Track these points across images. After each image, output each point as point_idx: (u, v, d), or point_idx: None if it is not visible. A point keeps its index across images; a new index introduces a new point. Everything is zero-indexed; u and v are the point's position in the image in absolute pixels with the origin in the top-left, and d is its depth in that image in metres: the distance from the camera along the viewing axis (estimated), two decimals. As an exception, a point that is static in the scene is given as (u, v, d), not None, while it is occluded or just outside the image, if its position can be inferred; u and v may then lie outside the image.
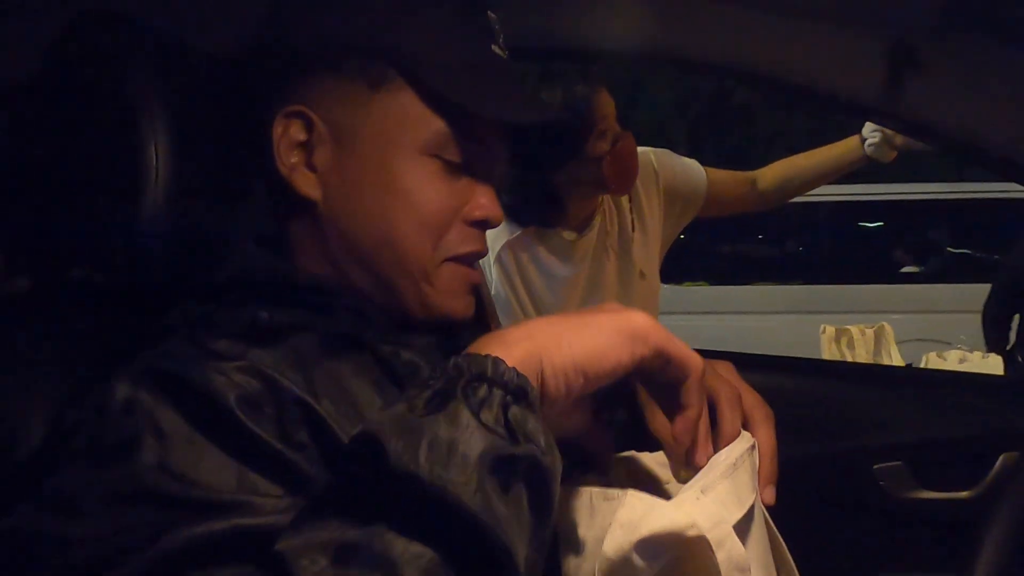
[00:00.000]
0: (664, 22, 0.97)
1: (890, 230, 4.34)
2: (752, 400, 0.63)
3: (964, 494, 1.12)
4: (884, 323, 2.71)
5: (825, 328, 2.78)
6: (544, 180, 1.44)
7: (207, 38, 0.79)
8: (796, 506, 1.16)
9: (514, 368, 0.47)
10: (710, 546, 0.51)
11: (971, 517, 0.89)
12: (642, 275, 1.52)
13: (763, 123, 8.36)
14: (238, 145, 0.66)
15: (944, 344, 2.99)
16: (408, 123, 0.60)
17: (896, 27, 0.91)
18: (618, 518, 0.52)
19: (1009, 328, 2.30)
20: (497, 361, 0.47)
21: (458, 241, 0.63)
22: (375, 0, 0.61)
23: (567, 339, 0.51)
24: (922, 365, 2.65)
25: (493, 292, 1.48)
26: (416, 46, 0.60)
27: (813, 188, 1.64)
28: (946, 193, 4.34)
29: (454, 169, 0.62)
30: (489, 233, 0.70)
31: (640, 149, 1.54)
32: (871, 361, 2.65)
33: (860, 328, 2.68)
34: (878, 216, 4.31)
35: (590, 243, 1.50)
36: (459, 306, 0.65)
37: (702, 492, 0.53)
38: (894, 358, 2.66)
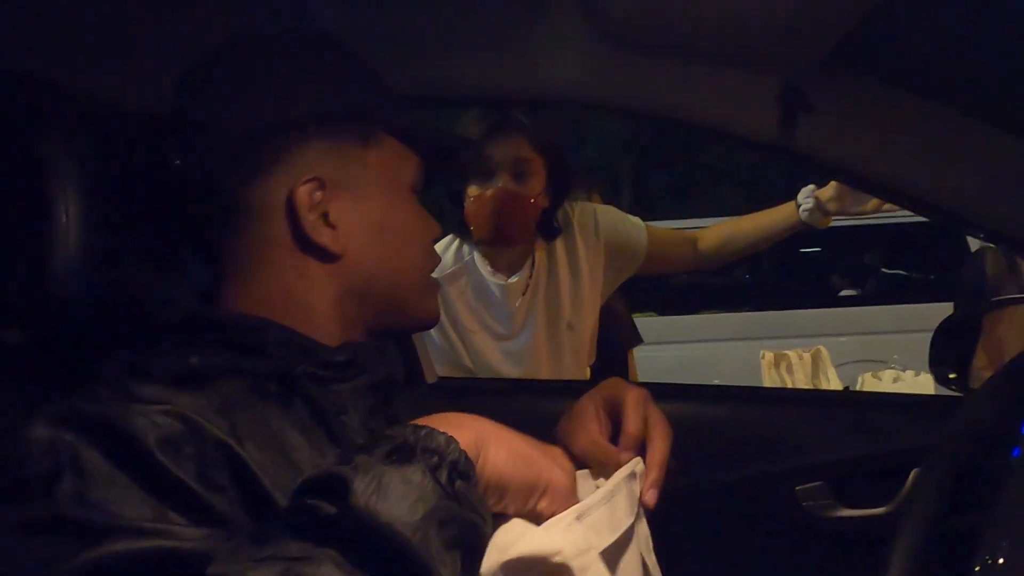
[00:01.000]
0: (567, 68, 1.02)
1: (828, 255, 4.47)
2: (655, 419, 0.73)
3: (881, 510, 1.16)
4: (821, 347, 2.79)
5: (764, 354, 2.85)
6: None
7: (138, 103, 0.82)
8: (721, 530, 1.20)
9: (464, 451, 0.53)
10: (572, 574, 0.54)
11: (888, 532, 0.93)
12: (570, 326, 1.54)
13: (707, 156, 8.57)
14: (179, 207, 0.69)
15: (880, 364, 3.09)
16: (398, 166, 0.71)
17: (786, 70, 0.97)
18: (494, 540, 0.55)
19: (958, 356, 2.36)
20: (451, 440, 0.53)
21: (432, 255, 0.75)
22: (331, 73, 0.69)
23: (504, 456, 0.58)
24: (858, 386, 2.73)
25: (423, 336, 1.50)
26: (378, 102, 0.71)
27: (753, 251, 1.68)
28: (880, 217, 4.48)
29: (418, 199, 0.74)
30: None
31: (586, 204, 1.60)
32: (810, 384, 2.72)
33: (798, 352, 2.76)
34: (817, 242, 4.44)
35: (522, 290, 1.53)
36: (437, 311, 0.76)
37: (577, 518, 0.58)
38: (831, 380, 2.74)
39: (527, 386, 1.45)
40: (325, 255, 0.67)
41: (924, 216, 1.13)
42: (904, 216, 4.32)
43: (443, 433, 0.53)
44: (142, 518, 0.51)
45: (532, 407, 1.27)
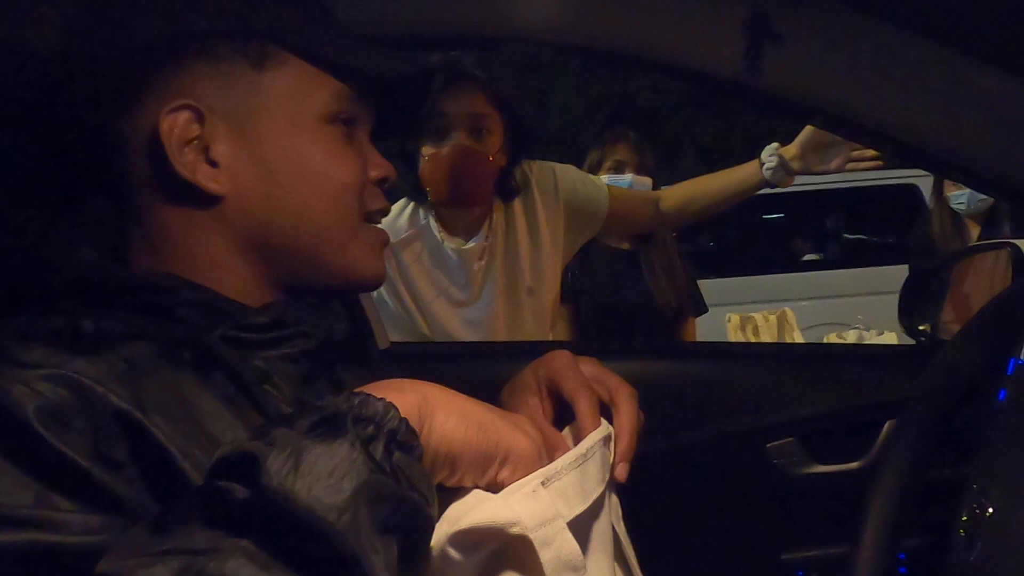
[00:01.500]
0: (518, 2, 0.95)
1: (790, 221, 4.49)
2: (615, 382, 0.66)
3: (854, 465, 1.13)
4: (786, 309, 2.79)
5: (730, 317, 2.84)
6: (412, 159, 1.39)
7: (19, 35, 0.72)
8: (692, 489, 1.15)
9: (405, 419, 0.46)
10: (533, 546, 0.48)
11: (862, 487, 0.89)
12: (531, 291, 1.48)
13: (669, 125, 8.56)
14: (70, 153, 0.60)
15: (843, 326, 3.10)
16: (304, 94, 0.59)
17: (752, -2, 0.91)
18: (446, 513, 0.48)
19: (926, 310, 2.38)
20: (389, 406, 0.46)
21: (369, 200, 0.64)
22: None
23: (453, 421, 0.49)
24: (824, 347, 2.72)
25: (376, 297, 1.42)
26: (284, 19, 0.60)
27: (716, 211, 1.64)
28: (841, 182, 4.52)
29: (349, 133, 0.62)
30: None
31: (544, 163, 1.53)
32: (775, 346, 2.71)
33: (764, 315, 2.75)
34: (780, 208, 4.45)
35: (479, 255, 1.46)
36: (380, 267, 0.65)
37: (542, 484, 0.51)
38: (797, 341, 2.73)
39: (486, 349, 1.39)
40: (205, 198, 0.57)
41: (900, 158, 1.09)
42: (864, 180, 4.37)
43: (380, 399, 0.45)
44: (18, 504, 0.43)
45: (493, 371, 1.21)
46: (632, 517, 0.64)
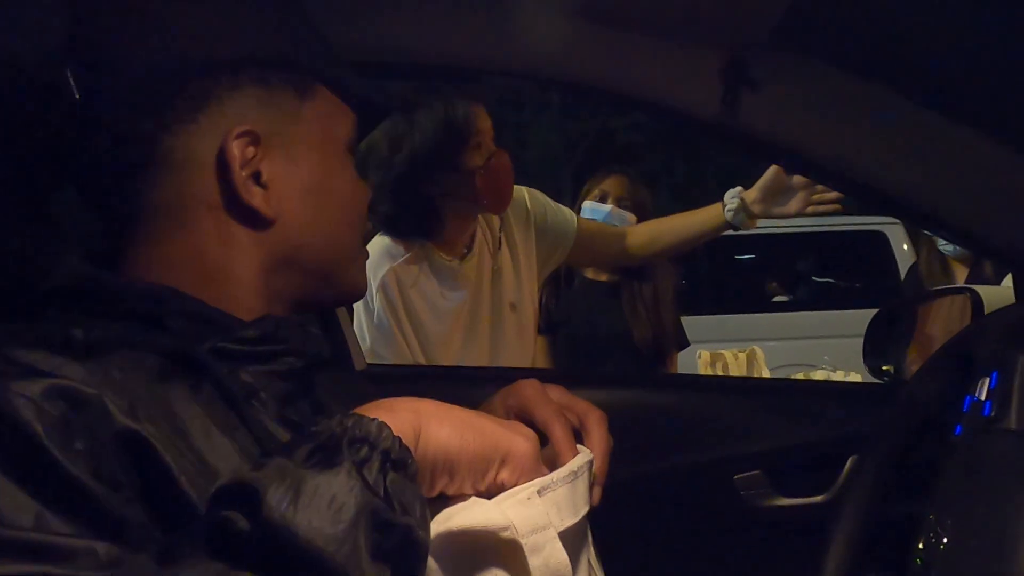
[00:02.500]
0: (511, 37, 0.98)
1: (762, 262, 4.57)
2: (583, 407, 0.67)
3: (819, 498, 1.15)
4: (755, 347, 2.83)
5: (701, 353, 2.88)
6: (423, 192, 1.43)
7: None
8: (658, 518, 1.17)
9: (398, 438, 0.47)
10: (522, 551, 0.49)
11: (826, 521, 0.92)
12: (512, 307, 1.51)
13: (646, 164, 8.70)
14: (74, 154, 0.59)
15: (810, 367, 3.15)
16: (333, 124, 0.64)
17: (730, 43, 0.95)
18: (439, 515, 0.49)
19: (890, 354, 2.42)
20: (382, 426, 0.46)
21: (365, 221, 0.70)
22: (263, 14, 0.62)
23: (448, 429, 0.50)
24: (791, 386, 2.77)
25: (375, 320, 1.44)
26: (317, 52, 0.64)
27: (680, 250, 1.71)
28: (811, 226, 4.62)
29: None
30: (372, 260, 0.70)
31: (516, 188, 1.56)
32: (744, 384, 2.75)
33: (733, 352, 2.79)
34: (751, 249, 4.53)
35: (471, 270, 1.49)
36: (364, 277, 0.70)
37: (538, 492, 0.52)
38: (765, 380, 2.77)
39: (464, 374, 1.40)
40: (255, 219, 0.59)
41: (866, 203, 1.14)
42: (833, 225, 4.47)
43: (373, 420, 0.47)
44: (20, 526, 0.43)
45: (470, 395, 1.22)
46: (599, 544, 0.66)
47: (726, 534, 1.17)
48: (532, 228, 1.55)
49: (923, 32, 0.86)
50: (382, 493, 0.44)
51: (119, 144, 0.58)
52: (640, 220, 2.18)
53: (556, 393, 0.67)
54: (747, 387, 1.57)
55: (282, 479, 0.42)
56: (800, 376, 2.79)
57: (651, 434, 1.19)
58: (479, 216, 1.51)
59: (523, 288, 1.53)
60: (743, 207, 1.52)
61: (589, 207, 2.16)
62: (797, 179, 1.48)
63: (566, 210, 1.63)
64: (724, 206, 1.55)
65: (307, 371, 0.61)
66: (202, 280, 0.59)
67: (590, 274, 2.22)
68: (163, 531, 0.47)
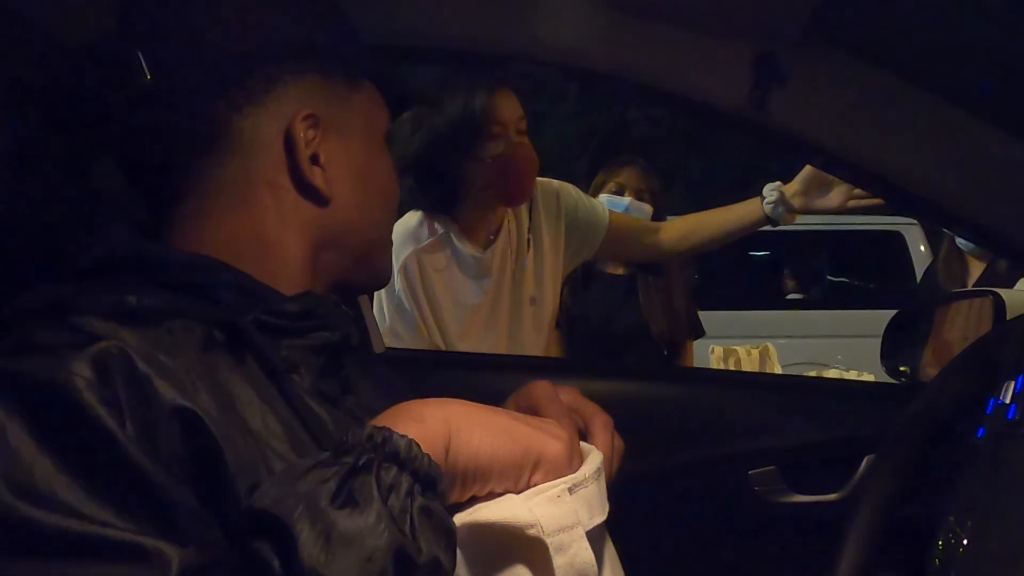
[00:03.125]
0: (538, 24, 0.98)
1: (777, 259, 4.55)
2: (591, 411, 0.67)
3: (833, 496, 1.15)
4: (768, 344, 2.83)
5: (714, 349, 2.87)
6: (443, 172, 1.43)
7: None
8: (671, 513, 1.17)
9: (427, 456, 0.47)
10: (548, 550, 0.49)
11: (841, 518, 0.92)
12: (532, 301, 1.51)
13: (662, 157, 8.66)
14: (135, 131, 0.61)
15: (823, 366, 3.14)
16: (375, 114, 0.68)
17: (761, 38, 0.94)
18: (467, 509, 0.50)
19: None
20: (412, 444, 0.47)
21: (396, 209, 0.73)
22: (319, 6, 0.66)
23: (479, 435, 0.51)
24: (804, 385, 2.75)
25: (395, 301, 1.44)
26: (359, 46, 0.69)
27: (715, 246, 1.65)
28: (828, 225, 4.59)
29: None
30: (396, 242, 0.73)
31: (547, 180, 1.57)
32: (756, 380, 2.74)
33: (746, 348, 2.79)
34: (767, 246, 4.51)
35: (494, 261, 1.49)
36: (391, 263, 0.74)
37: (569, 490, 0.51)
38: (778, 377, 2.76)
39: (480, 360, 1.40)
40: (314, 198, 0.62)
41: (893, 204, 1.12)
42: (850, 224, 4.44)
43: (403, 437, 0.47)
44: (82, 514, 0.43)
45: (486, 382, 1.23)
46: (612, 537, 0.66)
47: (740, 530, 1.17)
48: (562, 223, 1.54)
49: (959, 29, 0.85)
50: (409, 528, 0.45)
51: (189, 124, 0.60)
52: (656, 211, 2.16)
53: (567, 395, 0.68)
54: (763, 383, 1.57)
55: (313, 523, 0.43)
56: (813, 374, 2.78)
57: (666, 428, 1.19)
58: (511, 210, 1.50)
59: (545, 283, 1.52)
60: (782, 200, 1.48)
61: (607, 200, 2.14)
62: None
63: (599, 205, 1.61)
64: (763, 199, 1.52)
65: (339, 348, 0.62)
66: (254, 255, 0.60)
67: (607, 268, 2.21)
68: (208, 514, 0.48)
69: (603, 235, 1.57)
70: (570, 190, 1.59)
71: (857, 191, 1.42)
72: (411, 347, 1.41)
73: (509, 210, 1.50)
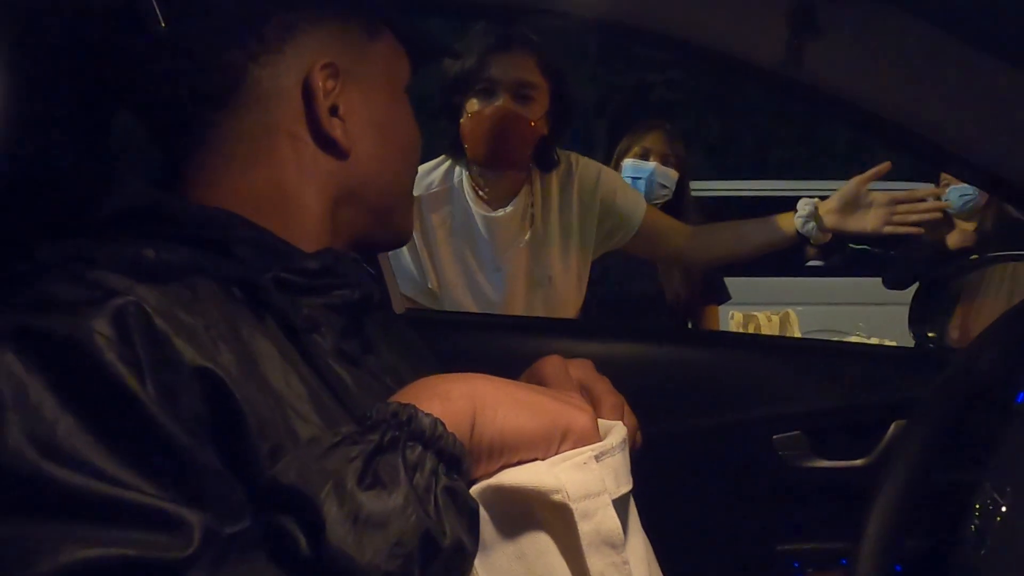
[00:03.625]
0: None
1: (797, 225, 4.49)
2: (600, 391, 0.65)
3: (859, 462, 1.14)
4: (789, 310, 2.80)
5: (733, 315, 2.85)
6: (446, 113, 1.41)
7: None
8: (696, 476, 1.16)
9: (452, 434, 0.47)
10: (572, 515, 0.48)
11: (865, 484, 0.90)
12: (550, 280, 1.48)
13: (681, 121, 8.55)
14: (152, 81, 0.59)
15: (844, 334, 3.11)
16: (395, 64, 0.66)
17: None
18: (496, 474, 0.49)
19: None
20: (436, 423, 0.47)
21: (418, 163, 0.72)
22: None
23: (503, 411, 0.50)
24: (824, 351, 2.73)
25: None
26: None
27: (743, 260, 1.58)
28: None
29: None
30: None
31: (590, 161, 1.54)
32: (776, 346, 2.73)
33: (767, 315, 2.76)
34: (786, 211, 4.45)
35: (506, 224, 1.46)
36: (412, 221, 0.72)
37: (595, 458, 0.51)
38: (798, 344, 2.75)
39: (499, 322, 1.39)
40: (334, 150, 0.61)
41: (931, 162, 1.09)
42: (871, 190, 4.36)
43: (428, 415, 0.47)
44: (110, 477, 0.43)
45: (505, 344, 1.22)
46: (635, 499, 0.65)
47: (764, 495, 1.16)
48: (597, 207, 1.50)
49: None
50: (434, 510, 0.45)
51: (206, 73, 0.58)
52: (681, 177, 2.11)
53: (578, 370, 0.66)
54: (788, 346, 1.55)
55: (340, 503, 0.42)
56: (834, 340, 2.76)
57: (690, 391, 1.17)
58: (534, 180, 1.46)
59: (569, 264, 1.49)
60: (815, 216, 1.42)
61: (632, 165, 2.08)
62: (879, 195, 1.39)
63: (639, 198, 1.57)
64: (795, 213, 1.46)
65: (359, 307, 0.61)
66: (273, 209, 0.59)
67: None
68: (229, 475, 0.47)
69: (637, 227, 1.53)
70: (612, 176, 1.56)
71: (897, 216, 1.36)
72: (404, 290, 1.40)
73: (532, 179, 1.46)
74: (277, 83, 0.59)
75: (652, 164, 2.08)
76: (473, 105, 1.38)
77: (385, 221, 0.67)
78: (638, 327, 1.76)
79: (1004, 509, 0.67)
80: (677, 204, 2.07)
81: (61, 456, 0.42)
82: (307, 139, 0.60)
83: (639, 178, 2.05)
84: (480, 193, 1.46)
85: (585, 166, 1.51)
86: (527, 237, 1.46)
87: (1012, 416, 0.75)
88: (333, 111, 0.60)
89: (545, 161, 1.46)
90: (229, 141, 0.59)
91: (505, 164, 1.42)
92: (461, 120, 1.39)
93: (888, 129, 1.03)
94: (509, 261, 1.46)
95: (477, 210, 1.45)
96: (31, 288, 0.49)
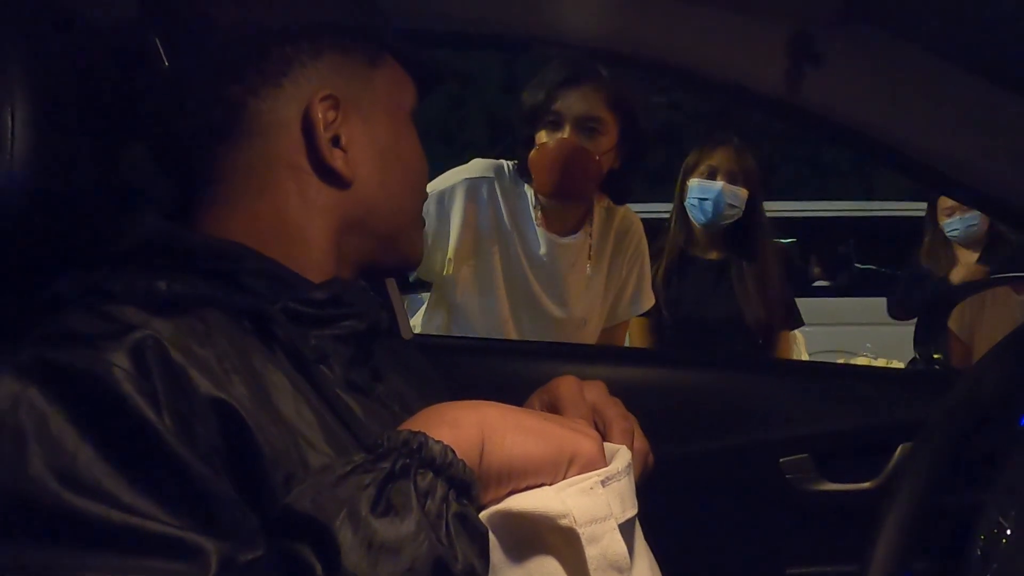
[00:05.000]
0: (567, 5, 0.96)
1: (803, 246, 4.49)
2: (612, 415, 0.66)
3: (866, 485, 1.13)
4: (796, 332, 2.79)
5: (740, 336, 2.84)
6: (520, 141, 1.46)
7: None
8: (703, 499, 1.16)
9: (462, 461, 0.48)
10: (580, 540, 0.49)
11: (873, 507, 0.90)
12: (584, 323, 1.52)
13: (689, 144, 8.57)
14: (159, 116, 0.61)
15: (851, 353, 3.10)
16: (399, 91, 0.67)
17: (796, 17, 0.92)
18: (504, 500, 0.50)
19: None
20: (447, 450, 0.48)
21: (425, 190, 0.71)
22: None
23: (511, 438, 0.51)
24: (831, 372, 2.72)
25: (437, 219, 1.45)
26: (381, 21, 0.67)
27: None
28: (854, 211, 4.52)
29: None
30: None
31: (636, 220, 1.58)
32: (783, 368, 2.71)
33: (773, 336, 2.74)
34: (792, 232, 4.46)
35: (566, 251, 1.49)
36: (422, 244, 0.72)
37: (602, 483, 0.52)
38: (805, 365, 2.73)
39: (508, 347, 1.40)
40: (335, 180, 0.61)
41: (935, 188, 1.10)
42: (877, 211, 4.37)
43: (438, 443, 0.48)
44: (126, 506, 0.44)
45: (514, 369, 1.22)
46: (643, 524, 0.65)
47: (770, 516, 1.16)
48: (624, 261, 1.56)
49: (1001, 6, 0.83)
50: (445, 536, 0.45)
51: (206, 108, 0.59)
52: (751, 194, 2.01)
53: (592, 392, 0.67)
54: (794, 369, 1.55)
55: (355, 529, 0.43)
56: (841, 360, 2.75)
57: (697, 415, 1.18)
58: (594, 219, 1.51)
59: (596, 308, 1.53)
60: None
61: (698, 185, 2.00)
62: None
63: (647, 283, 1.62)
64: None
65: (367, 336, 0.62)
66: (278, 240, 0.60)
67: (697, 251, 2.07)
68: (245, 505, 0.48)
69: (627, 313, 1.61)
70: (644, 243, 1.61)
71: None
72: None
73: (591, 219, 1.51)
74: (277, 116, 0.59)
75: (719, 183, 1.98)
76: (541, 137, 1.43)
77: (392, 247, 0.67)
78: (643, 352, 1.76)
79: (1009, 532, 0.68)
80: (748, 223, 2.00)
81: (81, 486, 0.43)
82: (309, 170, 0.60)
83: (706, 199, 1.98)
84: (545, 216, 1.49)
85: (626, 216, 1.57)
86: (588, 272, 1.50)
87: (1015, 439, 0.75)
88: (335, 142, 0.61)
89: (617, 193, 1.50)
90: (233, 174, 0.60)
91: (568, 195, 1.45)
92: (530, 152, 1.43)
93: (887, 153, 1.05)
94: (567, 291, 1.50)
95: (542, 232, 1.48)
96: (51, 322, 0.50)
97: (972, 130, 0.96)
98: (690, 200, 2.00)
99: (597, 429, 0.64)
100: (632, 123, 1.43)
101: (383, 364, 0.66)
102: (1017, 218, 1.04)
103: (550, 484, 0.51)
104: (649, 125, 1.55)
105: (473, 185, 1.47)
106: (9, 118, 0.57)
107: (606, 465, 0.53)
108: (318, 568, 0.43)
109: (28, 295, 0.54)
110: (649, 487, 0.63)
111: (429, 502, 0.46)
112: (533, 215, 1.48)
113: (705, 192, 1.98)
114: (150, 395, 0.46)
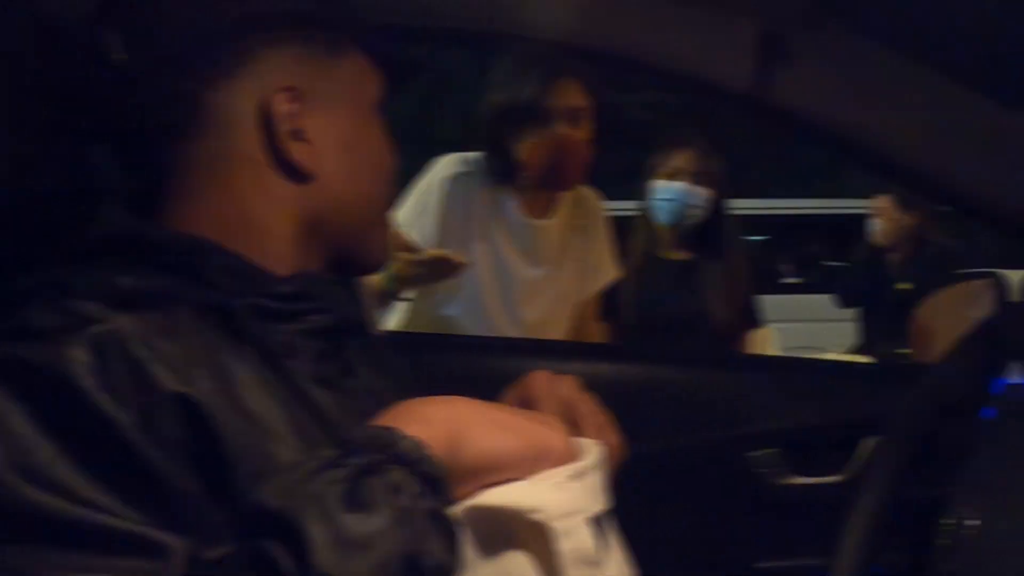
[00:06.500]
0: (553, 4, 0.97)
1: (774, 243, 4.54)
2: (584, 411, 0.66)
3: (834, 478, 1.15)
4: (766, 328, 2.82)
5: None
6: (502, 141, 1.46)
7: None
8: (671, 496, 1.17)
9: (434, 457, 0.48)
10: (552, 534, 0.49)
11: (841, 501, 0.92)
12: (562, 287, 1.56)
13: (655, 142, 8.61)
14: (116, 110, 0.59)
15: (821, 351, 3.14)
16: (363, 82, 0.64)
17: (766, 16, 0.93)
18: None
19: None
20: (417, 446, 0.48)
21: (393, 183, 0.69)
22: None
23: (483, 433, 0.51)
24: (801, 368, 2.75)
25: (419, 207, 1.47)
26: (344, 10, 0.65)
27: None
28: (824, 208, 4.58)
29: None
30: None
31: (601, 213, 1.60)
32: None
33: (744, 333, 2.77)
34: (764, 230, 4.50)
35: (551, 232, 1.51)
36: (388, 245, 0.72)
37: (572, 478, 0.52)
38: (775, 361, 2.76)
39: (482, 343, 1.39)
40: (296, 174, 0.60)
41: (901, 186, 1.12)
42: (847, 208, 4.42)
43: (408, 438, 0.48)
44: (91, 502, 0.43)
45: (486, 365, 1.22)
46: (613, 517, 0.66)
47: (741, 513, 1.17)
48: (593, 229, 1.59)
49: (970, 7, 0.84)
50: (416, 531, 0.45)
51: (162, 103, 0.58)
52: (715, 194, 2.00)
53: (565, 388, 0.67)
54: (763, 364, 1.57)
55: (326, 523, 0.43)
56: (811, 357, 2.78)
57: (668, 410, 1.18)
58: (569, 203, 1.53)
59: (576, 277, 1.57)
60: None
61: (662, 187, 1.99)
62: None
63: (613, 262, 1.65)
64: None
65: (337, 331, 0.62)
66: (240, 235, 0.59)
67: (661, 252, 2.05)
68: (210, 501, 0.48)
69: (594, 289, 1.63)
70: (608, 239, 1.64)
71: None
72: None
73: (565, 202, 1.53)
74: (234, 109, 0.58)
75: (681, 184, 1.98)
76: (532, 134, 1.42)
77: (358, 244, 0.65)
78: (615, 347, 1.76)
79: (972, 523, 0.69)
80: (713, 223, 2.00)
81: (42, 483, 0.42)
82: (268, 164, 0.59)
83: (669, 199, 1.98)
84: (526, 207, 1.50)
85: (592, 198, 1.60)
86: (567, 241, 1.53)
87: (980, 432, 0.77)
88: (296, 134, 0.59)
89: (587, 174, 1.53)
90: (192, 169, 0.59)
91: (566, 186, 1.50)
92: (520, 148, 1.43)
93: (859, 154, 1.06)
94: (562, 274, 1.53)
95: (520, 218, 1.49)
96: (9, 316, 0.49)
97: (940, 129, 0.98)
98: (653, 200, 2.01)
99: (570, 424, 0.64)
100: (602, 107, 1.48)
101: (355, 359, 0.65)
102: (987, 215, 1.06)
103: (522, 479, 0.51)
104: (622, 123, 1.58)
105: (450, 182, 1.47)
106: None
107: (578, 460, 0.53)
108: (288, 565, 0.42)
109: None
110: (621, 482, 0.63)
111: (400, 498, 0.46)
112: (511, 205, 1.49)
113: (667, 193, 1.99)
114: (110, 389, 0.46)
